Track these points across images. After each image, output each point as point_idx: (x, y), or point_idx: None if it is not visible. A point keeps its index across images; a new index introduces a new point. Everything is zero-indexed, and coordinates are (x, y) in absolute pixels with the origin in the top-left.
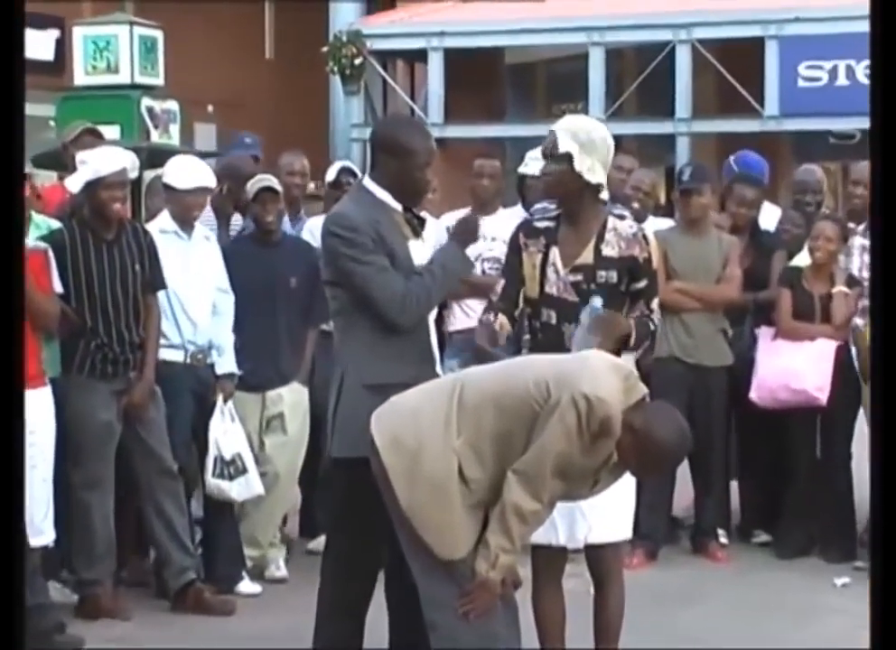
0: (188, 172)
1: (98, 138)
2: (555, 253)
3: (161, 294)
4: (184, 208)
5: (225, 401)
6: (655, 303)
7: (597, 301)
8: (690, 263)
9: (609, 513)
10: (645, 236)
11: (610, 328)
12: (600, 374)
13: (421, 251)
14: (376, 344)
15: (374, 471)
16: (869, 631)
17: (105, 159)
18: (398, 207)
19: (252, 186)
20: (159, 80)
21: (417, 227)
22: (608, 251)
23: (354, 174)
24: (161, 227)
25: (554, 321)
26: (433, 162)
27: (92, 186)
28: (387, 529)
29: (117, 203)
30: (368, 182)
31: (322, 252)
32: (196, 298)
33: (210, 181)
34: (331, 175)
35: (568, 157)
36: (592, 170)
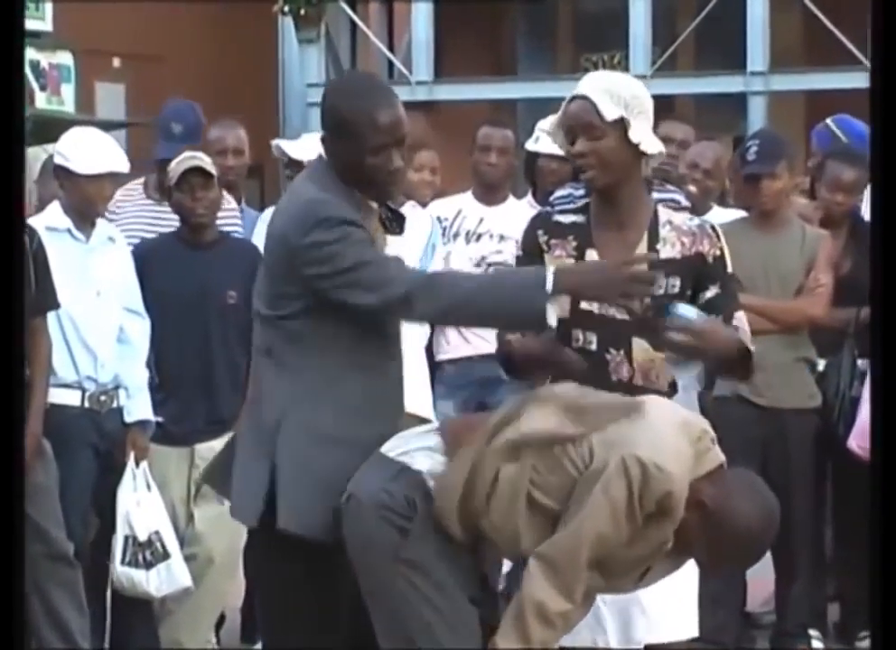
0: (92, 152)
1: None
2: (592, 258)
3: (50, 317)
4: (86, 200)
5: (137, 460)
6: (740, 317)
7: (681, 309)
8: (760, 268)
9: (672, 602)
10: (714, 229)
11: (710, 343)
12: (662, 433)
13: (398, 248)
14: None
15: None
16: None
17: None
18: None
19: (176, 166)
20: (46, 25)
21: (393, 224)
22: (668, 251)
23: None
24: (49, 223)
25: (594, 347)
26: (402, 140)
27: None
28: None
29: None
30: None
31: (291, 250)
32: (96, 321)
33: (123, 164)
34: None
35: (621, 125)
36: (649, 138)
